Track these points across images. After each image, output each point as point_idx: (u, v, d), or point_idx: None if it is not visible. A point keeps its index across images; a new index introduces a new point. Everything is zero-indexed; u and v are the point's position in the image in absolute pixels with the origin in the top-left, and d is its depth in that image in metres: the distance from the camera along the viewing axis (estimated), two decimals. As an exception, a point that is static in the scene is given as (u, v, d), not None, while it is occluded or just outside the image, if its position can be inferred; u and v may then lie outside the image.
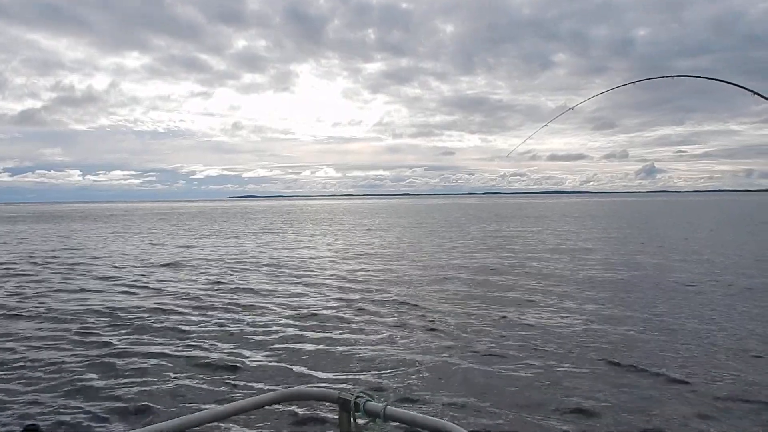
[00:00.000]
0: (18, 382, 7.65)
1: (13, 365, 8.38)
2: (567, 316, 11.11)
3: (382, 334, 9.93)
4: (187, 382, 7.52)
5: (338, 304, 12.71)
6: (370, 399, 2.06)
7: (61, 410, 6.63)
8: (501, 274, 17.08)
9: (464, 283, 15.36)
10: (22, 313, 12.24)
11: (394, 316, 11.31)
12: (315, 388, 2.29)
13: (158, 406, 6.65)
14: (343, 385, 7.28)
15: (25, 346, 9.53)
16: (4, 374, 7.93)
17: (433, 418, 1.90)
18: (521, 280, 15.72)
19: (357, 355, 8.64)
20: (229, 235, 38.26)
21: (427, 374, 7.69)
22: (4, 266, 21.13)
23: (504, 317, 11.08)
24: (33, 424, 1.50)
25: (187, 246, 29.45)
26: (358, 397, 2.06)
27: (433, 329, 10.16)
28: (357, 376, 7.69)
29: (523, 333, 9.83)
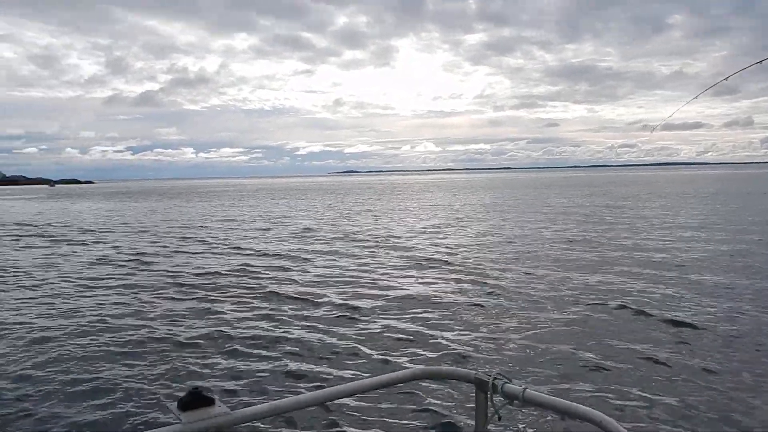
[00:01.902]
0: (184, 347, 8.38)
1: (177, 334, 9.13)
2: (705, 303, 10.39)
3: (514, 316, 9.63)
4: (325, 357, 7.81)
5: (465, 286, 12.37)
6: (507, 381, 2.00)
7: (222, 375, 7.21)
8: (619, 260, 16.13)
9: (583, 268, 14.66)
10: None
11: (524, 299, 10.91)
12: (451, 368, 2.28)
13: (301, 380, 6.99)
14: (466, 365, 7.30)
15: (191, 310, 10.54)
16: (167, 346, 8.59)
17: (576, 404, 1.82)
18: (641, 269, 14.87)
19: (486, 337, 8.53)
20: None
21: (563, 359, 7.49)
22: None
23: (640, 303, 10.48)
24: (196, 387, 1.60)
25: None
26: (495, 378, 2.01)
27: (564, 313, 9.77)
28: (487, 357, 7.65)
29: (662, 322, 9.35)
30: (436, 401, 6.17)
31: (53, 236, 26.25)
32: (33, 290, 13.19)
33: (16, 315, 10.71)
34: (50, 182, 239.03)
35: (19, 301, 11.94)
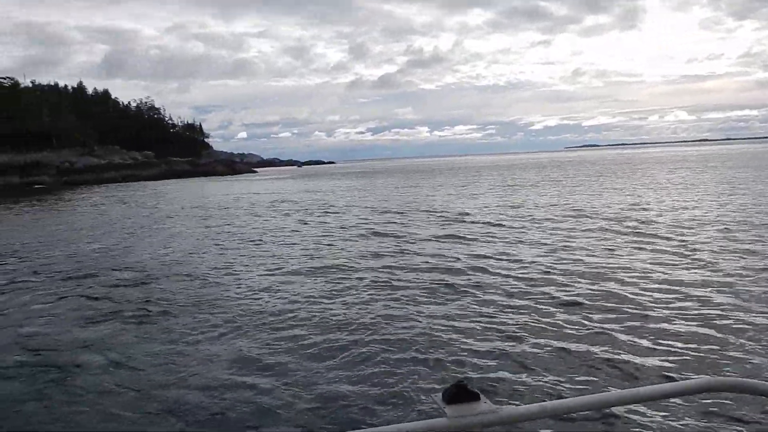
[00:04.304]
0: (452, 334, 7.94)
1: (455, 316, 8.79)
2: None
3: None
4: (600, 357, 6.95)
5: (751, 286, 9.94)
6: None
7: (486, 368, 6.71)
8: None
9: None
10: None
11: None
12: (750, 380, 1.94)
13: (570, 382, 6.27)
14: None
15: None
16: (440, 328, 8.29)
17: None
18: None
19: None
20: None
21: None
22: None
23: None
24: (462, 381, 1.51)
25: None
26: None
27: None
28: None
29: None
30: (727, 419, 5.22)
31: (329, 211, 29.50)
32: (297, 267, 13.94)
33: (277, 289, 11.33)
34: (298, 163, 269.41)
35: (275, 276, 12.67)
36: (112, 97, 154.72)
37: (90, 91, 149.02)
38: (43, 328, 9.29)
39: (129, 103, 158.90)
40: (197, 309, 9.83)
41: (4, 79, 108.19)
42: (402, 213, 25.26)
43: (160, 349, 7.91)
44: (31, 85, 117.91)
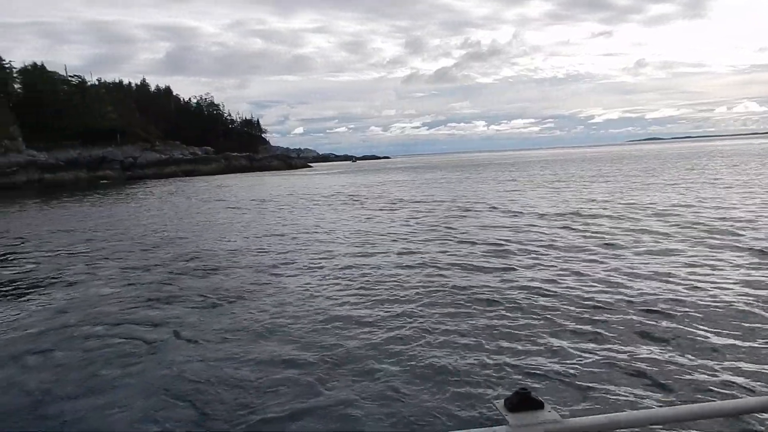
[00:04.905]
0: (514, 337, 7.57)
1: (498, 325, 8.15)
2: None
3: None
4: (679, 363, 6.39)
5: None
6: None
7: (556, 377, 6.30)
8: None
9: None
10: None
11: None
12: None
13: (648, 393, 5.84)
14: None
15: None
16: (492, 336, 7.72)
17: None
18: None
19: None
20: None
21: None
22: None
23: None
24: (524, 388, 1.50)
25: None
26: None
27: None
28: None
29: None
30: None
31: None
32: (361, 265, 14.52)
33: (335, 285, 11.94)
34: (353, 158, 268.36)
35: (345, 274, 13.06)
36: (174, 93, 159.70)
37: (152, 87, 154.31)
38: (117, 307, 10.01)
39: (190, 99, 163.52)
40: (256, 299, 10.19)
41: (72, 77, 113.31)
42: (457, 208, 25.17)
43: (223, 331, 8.39)
44: (97, 82, 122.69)
